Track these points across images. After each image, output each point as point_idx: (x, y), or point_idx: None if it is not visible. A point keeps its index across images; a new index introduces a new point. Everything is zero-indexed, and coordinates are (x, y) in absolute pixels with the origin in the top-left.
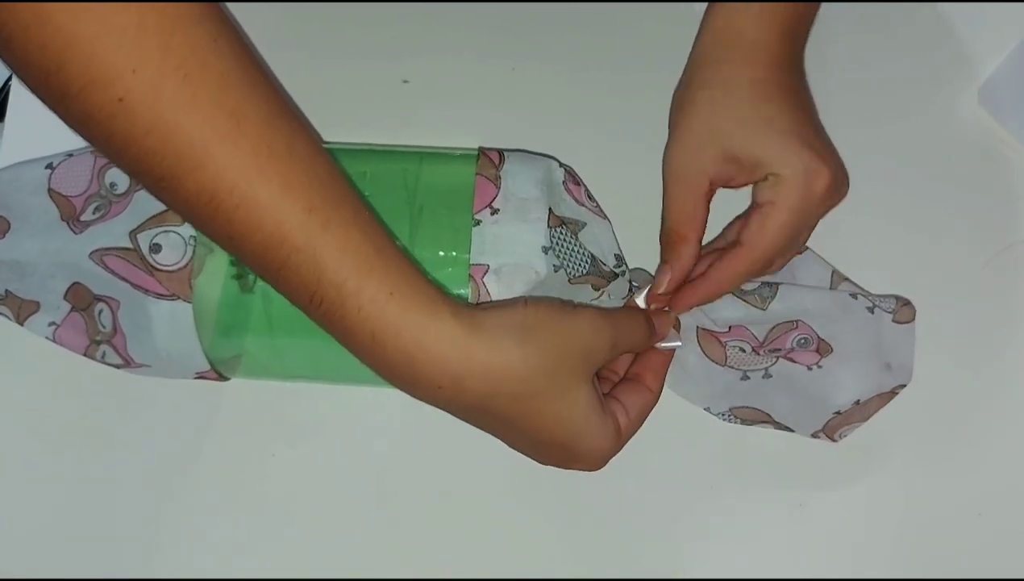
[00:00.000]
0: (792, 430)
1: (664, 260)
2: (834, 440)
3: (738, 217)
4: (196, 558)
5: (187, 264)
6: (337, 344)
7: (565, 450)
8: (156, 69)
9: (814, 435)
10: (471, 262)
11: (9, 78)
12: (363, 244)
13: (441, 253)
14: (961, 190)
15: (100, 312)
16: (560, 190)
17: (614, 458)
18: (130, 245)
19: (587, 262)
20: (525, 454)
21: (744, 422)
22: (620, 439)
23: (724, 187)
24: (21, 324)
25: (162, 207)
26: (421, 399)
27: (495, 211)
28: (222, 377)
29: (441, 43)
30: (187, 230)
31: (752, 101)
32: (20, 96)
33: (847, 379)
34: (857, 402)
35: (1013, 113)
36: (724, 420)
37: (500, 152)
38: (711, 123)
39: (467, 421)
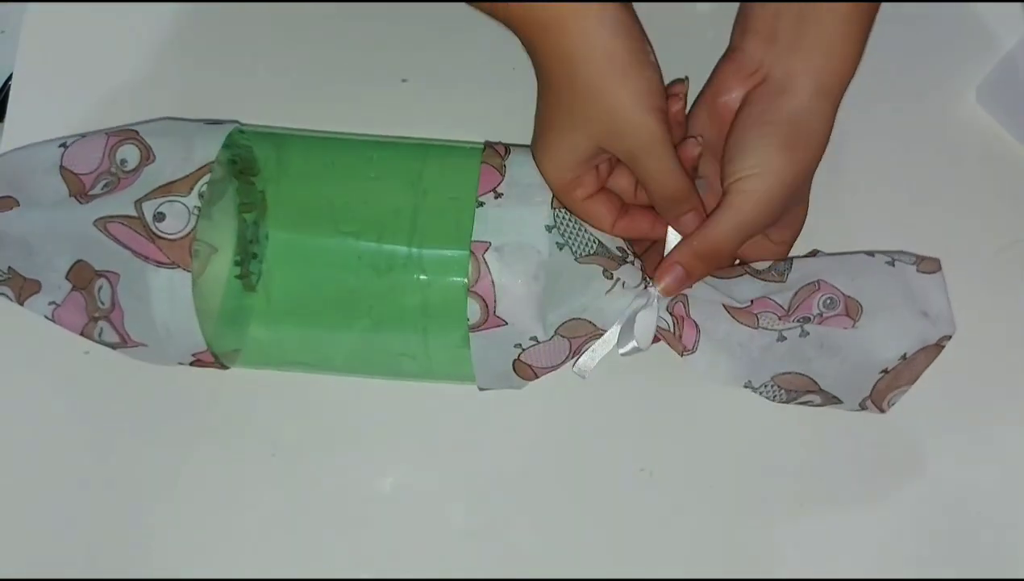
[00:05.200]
0: (840, 401)
1: (689, 269)
2: (883, 410)
3: None
4: (195, 558)
5: (189, 233)
6: (339, 334)
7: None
8: None
9: (862, 406)
10: (473, 239)
11: (9, 78)
12: None
13: (444, 232)
14: (959, 189)
15: (100, 288)
16: None
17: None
18: (134, 213)
19: (594, 242)
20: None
21: (790, 395)
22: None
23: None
24: (21, 304)
25: (168, 178)
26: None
27: (499, 195)
28: (219, 362)
29: (441, 42)
30: (192, 200)
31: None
32: (20, 96)
33: (887, 333)
34: (904, 357)
35: (1011, 112)
36: (767, 396)
37: (506, 146)
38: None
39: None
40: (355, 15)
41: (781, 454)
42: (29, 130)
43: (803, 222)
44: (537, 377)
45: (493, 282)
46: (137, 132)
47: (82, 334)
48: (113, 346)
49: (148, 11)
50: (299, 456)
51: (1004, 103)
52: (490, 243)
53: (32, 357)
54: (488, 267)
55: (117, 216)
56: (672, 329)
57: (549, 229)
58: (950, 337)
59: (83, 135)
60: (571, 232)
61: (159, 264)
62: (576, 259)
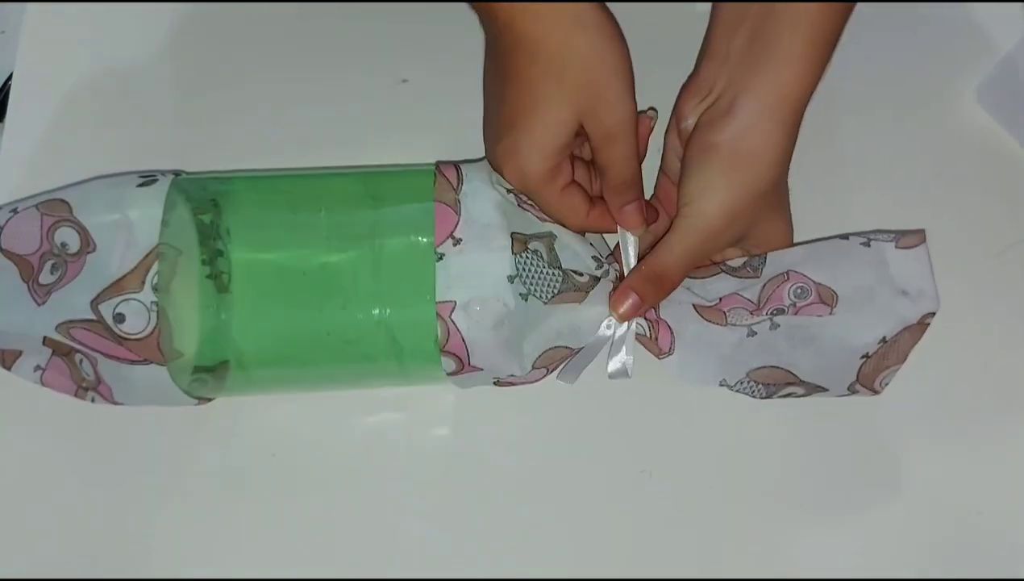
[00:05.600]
0: (825, 389)
1: (638, 291)
2: (876, 391)
3: None
4: (195, 558)
5: (153, 330)
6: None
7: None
8: None
9: (851, 390)
10: (437, 300)
11: (9, 78)
12: None
13: (406, 293)
14: (959, 190)
15: (81, 361)
16: (519, 211)
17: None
18: (94, 316)
19: (558, 281)
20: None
21: (768, 389)
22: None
23: None
24: (8, 370)
25: (116, 273)
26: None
27: (457, 241)
28: (205, 400)
29: (441, 43)
30: (147, 296)
31: (782, 184)
32: (20, 96)
33: (863, 316)
34: (883, 340)
35: (1012, 113)
36: (745, 392)
37: (457, 168)
38: (750, 204)
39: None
40: (355, 15)
41: (782, 454)
42: (29, 130)
43: (784, 241)
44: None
45: (464, 339)
46: (69, 207)
47: (75, 396)
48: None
49: (148, 11)
50: (299, 456)
51: (1004, 103)
52: (455, 302)
53: None
54: (457, 326)
55: (78, 321)
56: (648, 333)
57: (511, 279)
58: (934, 314)
59: (14, 210)
60: (534, 279)
61: (132, 362)
62: (544, 303)
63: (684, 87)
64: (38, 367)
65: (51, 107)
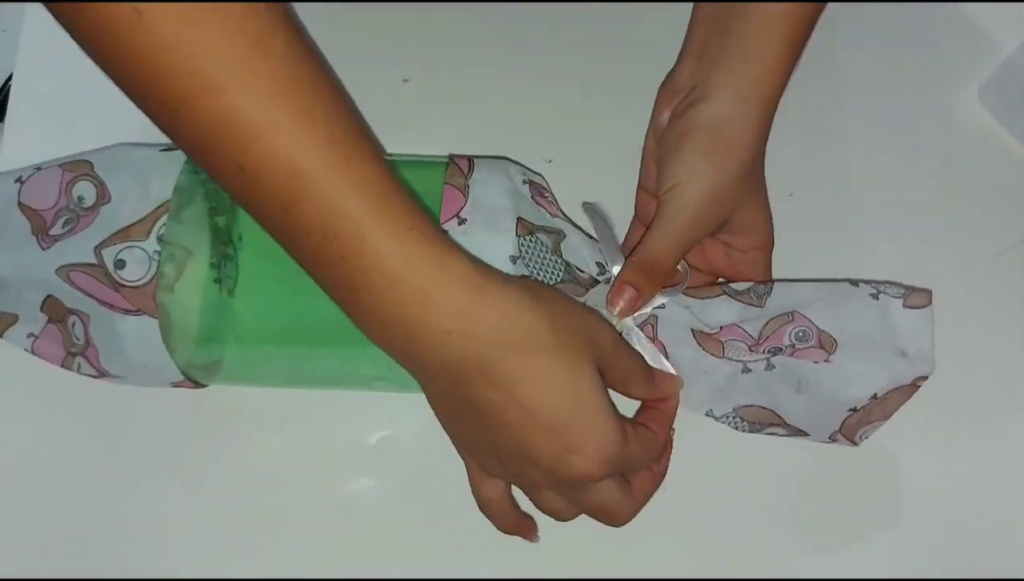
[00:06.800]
0: (807, 434)
1: (633, 283)
2: (855, 443)
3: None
4: (195, 558)
5: (152, 279)
6: (317, 351)
7: (561, 430)
8: None
9: (832, 439)
10: None
11: (9, 78)
12: (382, 181)
13: None
14: (961, 190)
15: (73, 324)
16: (531, 202)
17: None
18: (95, 261)
19: (560, 270)
20: (501, 458)
21: (752, 426)
22: (626, 447)
23: None
24: (1, 336)
25: (126, 221)
26: (419, 360)
27: (462, 221)
28: (198, 385)
29: (441, 42)
30: (151, 245)
31: (758, 170)
32: (20, 96)
33: (859, 370)
34: (874, 396)
35: (1013, 113)
36: (730, 425)
37: (470, 160)
38: (733, 185)
39: (457, 396)
40: (355, 15)
41: (781, 453)
42: (29, 130)
43: (766, 230)
44: None
45: None
46: (91, 165)
47: (62, 366)
48: (93, 377)
49: None
50: (299, 455)
51: (1006, 104)
52: None
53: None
54: None
55: (79, 264)
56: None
57: (514, 260)
58: (927, 377)
59: (38, 168)
60: (536, 263)
61: (125, 311)
62: None
63: (661, 88)
64: (31, 334)
65: (51, 107)
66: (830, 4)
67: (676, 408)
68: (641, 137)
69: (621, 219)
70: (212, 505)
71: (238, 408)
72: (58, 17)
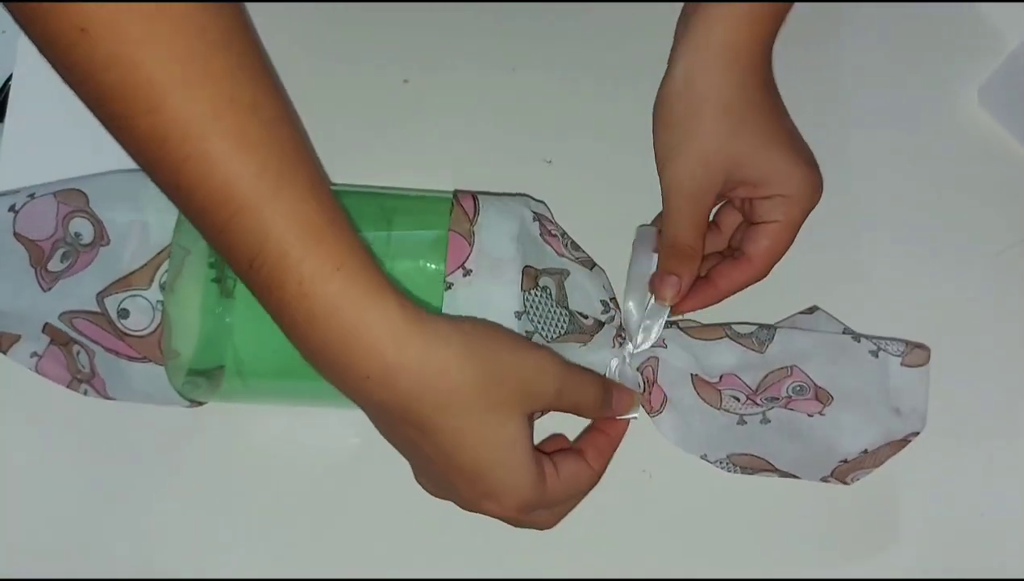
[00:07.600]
0: (797, 477)
1: (671, 270)
2: (846, 483)
3: (739, 224)
4: (194, 558)
5: (156, 329)
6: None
7: (478, 480)
8: (119, 5)
9: (823, 479)
10: None
11: (9, 78)
12: (315, 214)
13: None
14: (961, 191)
15: (78, 353)
16: (539, 243)
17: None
18: (98, 309)
19: (564, 322)
20: (430, 483)
21: (744, 471)
22: (543, 493)
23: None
24: (5, 353)
25: (128, 269)
26: (346, 392)
27: (467, 273)
28: (197, 403)
29: (441, 43)
30: (154, 295)
31: (756, 121)
32: (20, 96)
33: (852, 426)
34: (865, 451)
35: (1013, 113)
36: (723, 469)
37: (475, 199)
38: (720, 145)
39: (385, 429)
40: (355, 15)
41: None
42: (29, 130)
43: (787, 180)
44: None
45: None
46: (86, 198)
47: (68, 387)
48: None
49: None
50: (298, 455)
51: (1006, 104)
52: None
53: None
54: None
55: (81, 311)
56: (642, 389)
57: (519, 316)
58: (918, 433)
59: (31, 195)
60: (541, 316)
61: (131, 359)
62: (548, 342)
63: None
64: (35, 354)
65: (51, 107)
66: (830, 6)
67: (625, 431)
68: (641, 137)
69: (622, 220)
70: (212, 505)
71: (238, 408)
72: (15, 18)
